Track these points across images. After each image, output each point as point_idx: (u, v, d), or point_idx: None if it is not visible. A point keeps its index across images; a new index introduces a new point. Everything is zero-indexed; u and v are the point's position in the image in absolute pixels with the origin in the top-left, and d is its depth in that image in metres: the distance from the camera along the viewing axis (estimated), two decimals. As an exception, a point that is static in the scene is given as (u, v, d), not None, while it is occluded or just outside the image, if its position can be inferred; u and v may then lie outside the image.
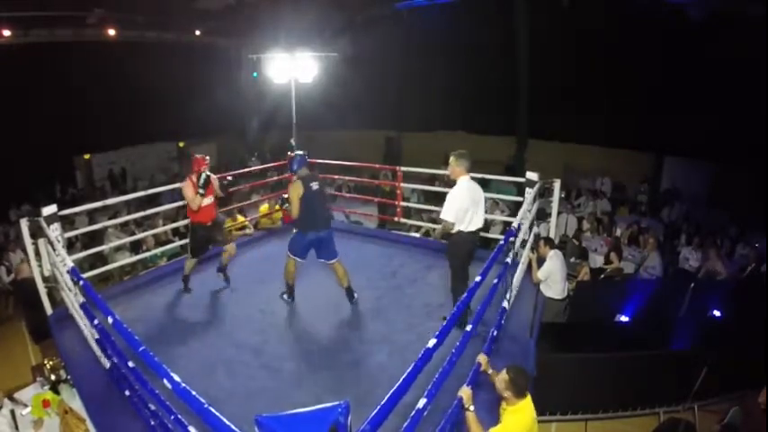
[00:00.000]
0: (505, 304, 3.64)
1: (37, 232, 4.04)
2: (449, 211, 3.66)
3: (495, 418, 2.62)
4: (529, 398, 2.53)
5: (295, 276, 4.37)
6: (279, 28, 10.52)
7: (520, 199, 5.13)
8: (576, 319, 5.38)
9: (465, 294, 2.73)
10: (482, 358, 2.81)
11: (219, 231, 4.76)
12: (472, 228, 3.78)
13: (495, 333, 3.34)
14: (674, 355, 4.82)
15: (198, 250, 4.69)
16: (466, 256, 3.87)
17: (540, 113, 11.56)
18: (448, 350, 2.47)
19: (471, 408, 2.46)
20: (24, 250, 4.89)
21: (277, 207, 6.39)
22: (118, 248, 7.17)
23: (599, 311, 5.74)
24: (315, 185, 4.09)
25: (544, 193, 5.38)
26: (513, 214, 5.36)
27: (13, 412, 3.77)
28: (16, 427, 3.72)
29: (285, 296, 4.44)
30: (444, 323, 2.30)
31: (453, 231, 3.73)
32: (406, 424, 1.88)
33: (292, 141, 6.80)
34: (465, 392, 2.48)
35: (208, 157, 4.70)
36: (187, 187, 4.48)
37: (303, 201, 4.01)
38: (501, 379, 2.53)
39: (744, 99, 8.18)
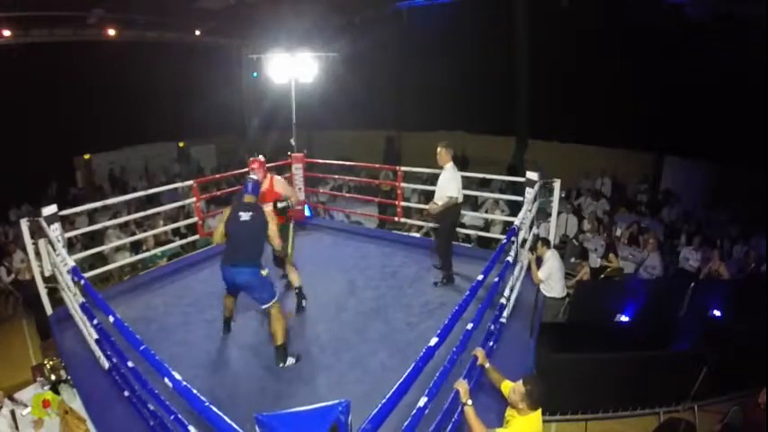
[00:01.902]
0: (504, 301, 3.65)
1: (37, 232, 4.04)
2: (452, 190, 4.49)
3: (494, 421, 2.61)
4: (539, 410, 2.45)
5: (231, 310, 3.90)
6: (279, 28, 10.52)
7: (520, 198, 5.13)
8: (575, 319, 5.38)
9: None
10: (479, 352, 2.79)
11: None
12: (460, 200, 4.69)
13: (492, 327, 3.35)
14: (674, 355, 4.81)
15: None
16: (454, 221, 4.82)
17: (540, 113, 11.55)
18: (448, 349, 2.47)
19: (469, 402, 2.40)
20: (25, 250, 4.89)
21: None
22: (118, 248, 7.18)
23: (599, 311, 5.73)
24: (245, 216, 3.47)
25: (544, 194, 5.38)
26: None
27: (13, 412, 3.77)
28: (16, 427, 3.72)
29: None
30: (448, 318, 2.29)
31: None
32: (406, 423, 1.88)
33: (292, 141, 6.81)
34: (461, 385, 2.42)
35: (260, 157, 4.42)
36: None
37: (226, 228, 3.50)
38: (518, 390, 2.45)
39: (744, 99, 8.17)
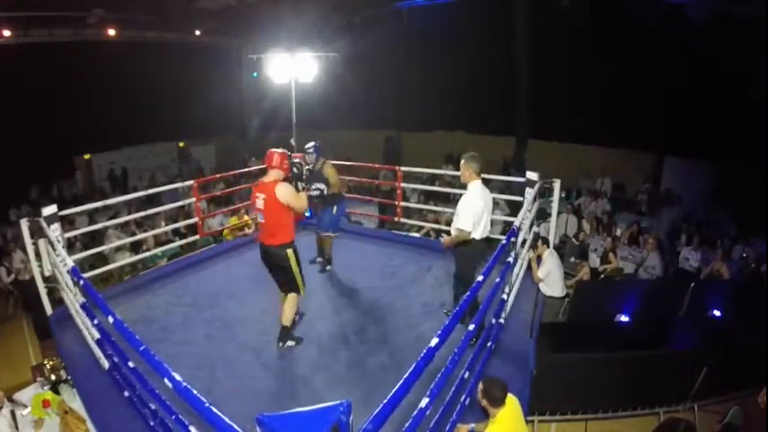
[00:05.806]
0: (504, 297, 3.64)
1: (37, 232, 4.04)
2: (466, 220, 3.47)
3: None
4: (509, 405, 2.60)
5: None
6: (279, 28, 10.53)
7: (520, 199, 5.13)
8: (575, 318, 5.37)
9: (468, 293, 2.68)
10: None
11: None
12: (484, 234, 3.62)
13: (493, 322, 3.35)
14: (674, 355, 4.81)
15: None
16: (476, 264, 3.65)
17: (540, 113, 11.56)
18: (450, 349, 2.47)
19: None
20: (25, 250, 4.89)
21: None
22: (118, 248, 7.17)
23: (599, 311, 5.73)
24: None
25: (545, 193, 5.38)
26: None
27: (13, 412, 3.76)
28: (16, 427, 3.71)
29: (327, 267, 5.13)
30: (449, 319, 2.30)
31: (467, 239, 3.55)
32: (408, 423, 1.88)
33: (292, 141, 6.80)
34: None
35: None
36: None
37: None
38: (478, 389, 2.65)
39: (744, 99, 8.18)
